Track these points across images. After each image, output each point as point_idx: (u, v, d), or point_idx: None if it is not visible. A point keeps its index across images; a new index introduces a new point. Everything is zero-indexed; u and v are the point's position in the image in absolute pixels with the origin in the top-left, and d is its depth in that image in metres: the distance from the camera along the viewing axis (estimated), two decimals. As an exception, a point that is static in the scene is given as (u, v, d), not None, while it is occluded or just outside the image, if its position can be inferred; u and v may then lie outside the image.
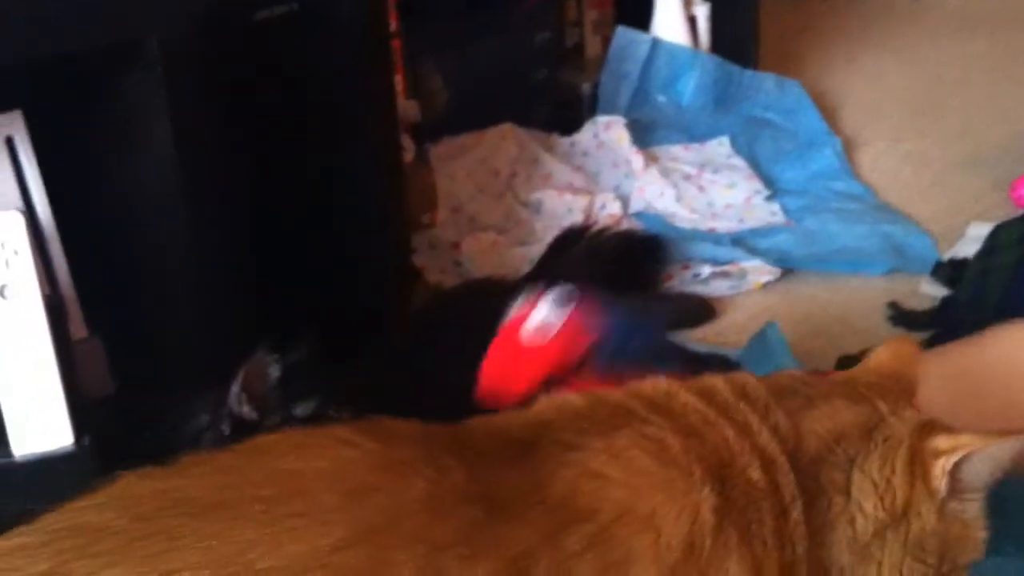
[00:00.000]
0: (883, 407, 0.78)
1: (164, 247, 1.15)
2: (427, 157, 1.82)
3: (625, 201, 1.84)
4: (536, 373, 1.09)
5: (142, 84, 1.07)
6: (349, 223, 1.37)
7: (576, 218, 1.77)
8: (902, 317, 1.53)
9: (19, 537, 0.65)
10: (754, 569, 0.70)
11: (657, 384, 0.79)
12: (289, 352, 1.10)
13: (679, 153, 1.96)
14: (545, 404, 0.80)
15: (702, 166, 1.92)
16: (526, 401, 1.04)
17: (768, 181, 1.92)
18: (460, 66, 1.94)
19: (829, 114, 2.18)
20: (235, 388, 1.07)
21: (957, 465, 0.74)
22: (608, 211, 1.81)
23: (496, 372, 1.10)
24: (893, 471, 0.75)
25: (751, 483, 0.72)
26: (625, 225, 1.78)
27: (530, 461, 0.71)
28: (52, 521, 0.66)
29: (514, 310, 1.14)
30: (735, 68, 2.12)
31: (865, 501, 0.74)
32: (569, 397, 0.80)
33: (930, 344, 1.47)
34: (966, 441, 0.74)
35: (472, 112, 1.95)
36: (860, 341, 1.48)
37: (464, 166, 1.84)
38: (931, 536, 0.75)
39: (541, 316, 1.11)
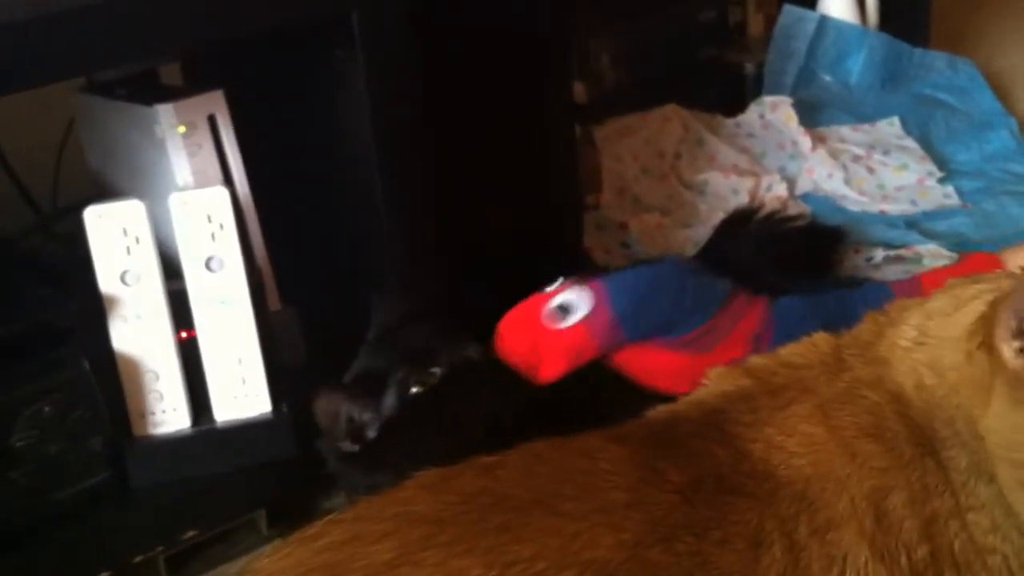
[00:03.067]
0: None
1: (358, 223, 1.18)
2: (592, 138, 1.81)
3: (792, 183, 1.80)
4: (557, 354, 1.06)
5: (342, 61, 1.10)
6: (524, 203, 1.38)
7: (741, 200, 1.75)
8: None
9: (345, 524, 0.68)
10: (926, 525, 0.72)
11: (806, 354, 0.83)
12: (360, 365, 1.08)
13: (847, 134, 1.91)
14: (709, 393, 0.83)
15: (872, 147, 1.87)
16: (548, 376, 1.05)
17: (941, 163, 1.86)
18: (625, 46, 1.93)
19: (1004, 94, 2.09)
20: (325, 434, 1.06)
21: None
22: (774, 193, 1.77)
23: (512, 340, 1.07)
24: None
25: (906, 438, 0.74)
26: (792, 207, 1.74)
27: (723, 441, 0.76)
28: (380, 509, 0.69)
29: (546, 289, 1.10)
30: (905, 46, 2.05)
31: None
32: (734, 379, 0.83)
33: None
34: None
35: (636, 92, 1.94)
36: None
37: (629, 147, 1.84)
38: None
39: (564, 299, 1.08)
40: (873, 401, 0.77)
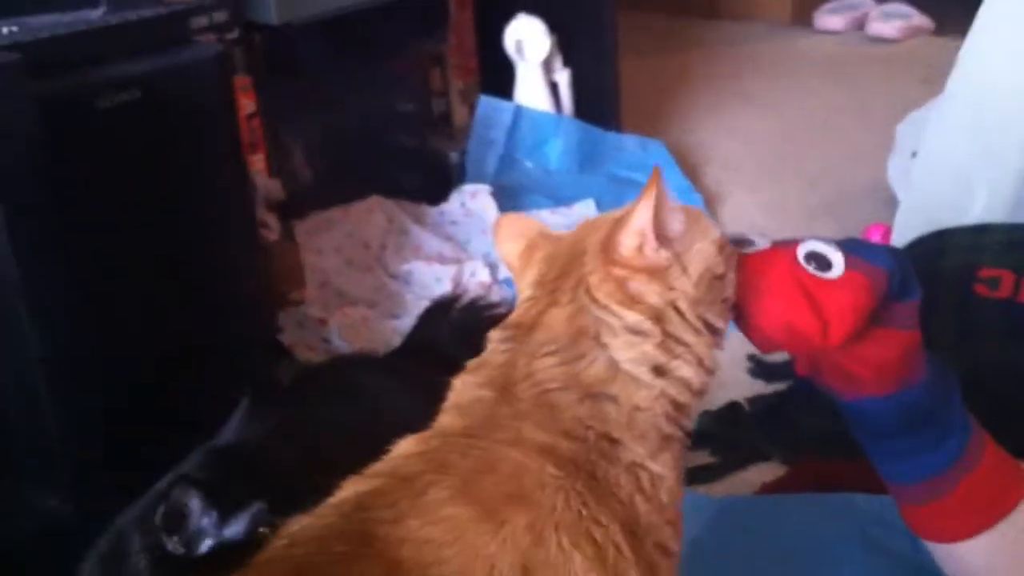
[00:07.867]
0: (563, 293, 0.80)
1: (5, 346, 1.12)
2: (293, 234, 1.80)
3: (495, 267, 1.85)
4: (844, 310, 0.83)
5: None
6: (205, 304, 1.35)
7: (445, 288, 1.78)
8: (762, 369, 1.56)
9: None
10: (598, 557, 0.71)
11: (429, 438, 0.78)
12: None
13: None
14: (343, 496, 0.76)
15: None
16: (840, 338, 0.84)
17: (634, 239, 1.95)
18: (324, 141, 1.94)
19: (692, 170, 2.24)
20: (158, 523, 0.97)
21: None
22: (478, 278, 1.82)
23: (778, 303, 0.84)
24: (620, 301, 0.77)
25: (553, 484, 0.72)
26: (495, 292, 1.79)
27: (373, 553, 0.70)
28: None
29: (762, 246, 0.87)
30: (598, 131, 2.17)
31: (630, 351, 0.77)
32: (363, 477, 0.77)
33: (791, 395, 1.51)
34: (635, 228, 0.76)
35: (341, 185, 1.96)
36: (724, 394, 1.52)
37: (332, 240, 1.84)
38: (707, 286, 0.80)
39: (812, 248, 0.86)
40: (515, 458, 0.72)
